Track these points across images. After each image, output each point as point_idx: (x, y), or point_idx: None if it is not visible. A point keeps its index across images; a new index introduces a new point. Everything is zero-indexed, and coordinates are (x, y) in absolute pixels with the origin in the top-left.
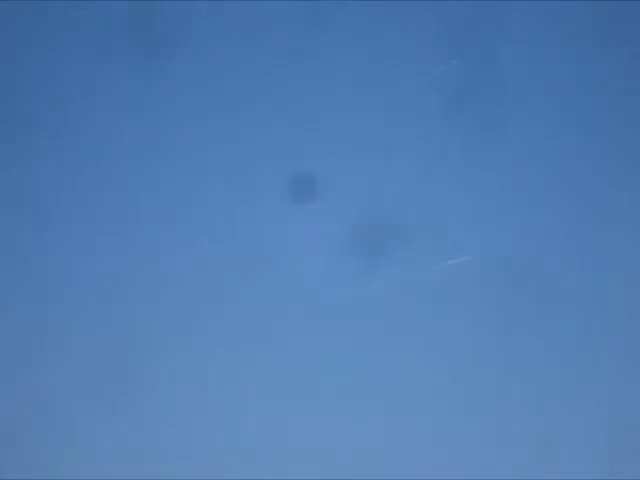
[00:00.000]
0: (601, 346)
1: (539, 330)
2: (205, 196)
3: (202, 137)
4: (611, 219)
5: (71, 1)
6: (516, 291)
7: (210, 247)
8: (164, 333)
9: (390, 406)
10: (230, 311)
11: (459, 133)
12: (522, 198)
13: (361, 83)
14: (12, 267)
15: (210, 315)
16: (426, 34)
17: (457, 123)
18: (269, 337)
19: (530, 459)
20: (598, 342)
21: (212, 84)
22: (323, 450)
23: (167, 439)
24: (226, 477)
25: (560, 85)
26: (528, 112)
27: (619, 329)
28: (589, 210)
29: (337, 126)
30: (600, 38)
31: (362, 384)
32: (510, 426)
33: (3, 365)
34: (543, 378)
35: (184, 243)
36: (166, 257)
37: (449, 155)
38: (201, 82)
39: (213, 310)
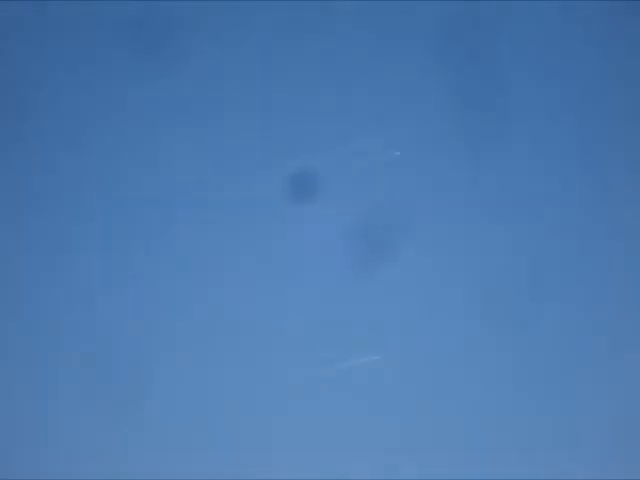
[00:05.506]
0: (600, 345)
1: (539, 332)
2: (206, 196)
3: (202, 137)
4: (611, 220)
5: (71, 1)
6: (515, 292)
7: (210, 247)
8: (163, 333)
9: (388, 405)
10: (230, 310)
11: (462, 134)
12: (523, 200)
13: (361, 83)
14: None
15: (210, 315)
16: (429, 30)
17: (459, 124)
18: (268, 336)
19: (529, 459)
20: (597, 341)
21: (212, 85)
22: (322, 449)
23: (166, 439)
24: (226, 477)
25: (562, 86)
26: (531, 114)
27: (618, 327)
28: (590, 211)
29: (337, 126)
30: (604, 36)
31: (360, 382)
32: (509, 424)
33: (4, 366)
34: (542, 379)
35: (184, 243)
36: (166, 257)
37: (450, 155)
38: (201, 83)
39: (213, 310)
